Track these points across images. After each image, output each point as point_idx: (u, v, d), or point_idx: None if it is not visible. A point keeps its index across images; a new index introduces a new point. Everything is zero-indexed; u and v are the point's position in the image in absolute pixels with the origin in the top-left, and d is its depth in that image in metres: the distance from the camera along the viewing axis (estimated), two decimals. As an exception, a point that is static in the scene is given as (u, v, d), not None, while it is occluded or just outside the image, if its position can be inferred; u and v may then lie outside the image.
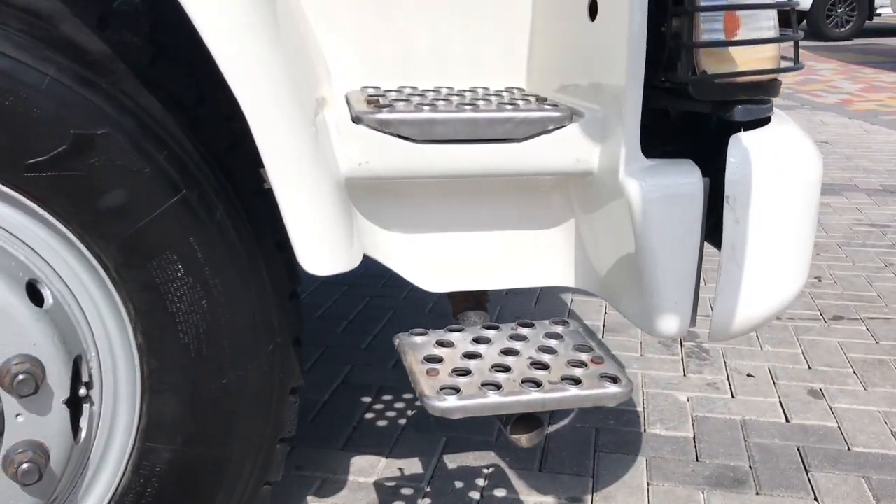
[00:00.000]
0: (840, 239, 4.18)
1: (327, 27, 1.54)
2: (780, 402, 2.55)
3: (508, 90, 1.57)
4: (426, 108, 1.35)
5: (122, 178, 1.27)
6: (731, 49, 1.31)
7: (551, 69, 1.55)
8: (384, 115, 1.33)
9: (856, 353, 2.89)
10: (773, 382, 2.68)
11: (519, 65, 1.61)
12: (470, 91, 1.54)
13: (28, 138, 1.21)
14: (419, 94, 1.47)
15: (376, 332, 3.07)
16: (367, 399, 2.57)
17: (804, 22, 13.93)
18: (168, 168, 1.30)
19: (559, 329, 1.51)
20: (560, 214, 1.52)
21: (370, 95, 1.44)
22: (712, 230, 1.42)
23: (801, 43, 13.16)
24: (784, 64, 1.41)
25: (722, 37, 1.30)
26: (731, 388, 2.64)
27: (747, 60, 1.31)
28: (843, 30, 13.56)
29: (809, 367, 2.79)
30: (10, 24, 1.19)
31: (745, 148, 1.30)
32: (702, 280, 1.38)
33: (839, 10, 13.57)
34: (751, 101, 1.35)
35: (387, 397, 2.59)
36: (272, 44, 1.21)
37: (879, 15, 14.04)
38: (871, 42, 13.43)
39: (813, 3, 13.38)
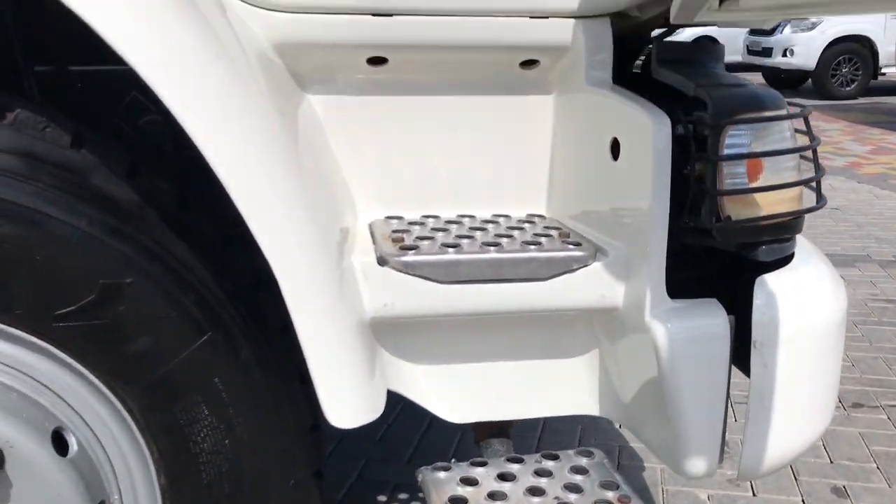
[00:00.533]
0: (855, 316, 4.15)
1: (351, 157, 1.56)
2: (802, 501, 2.51)
3: (529, 219, 1.58)
4: (450, 249, 1.36)
5: (149, 325, 1.27)
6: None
7: (572, 198, 1.56)
8: (409, 257, 1.34)
9: (878, 446, 2.85)
10: (795, 478, 2.64)
11: (539, 192, 1.62)
12: (492, 222, 1.54)
13: (57, 290, 1.22)
14: (442, 229, 1.48)
15: (391, 420, 3.05)
16: (383, 498, 2.53)
17: (809, 81, 14.07)
18: (194, 311, 1.30)
19: (584, 462, 1.49)
20: (584, 344, 1.52)
21: (394, 232, 1.45)
22: (738, 354, 1.41)
23: (807, 101, 13.25)
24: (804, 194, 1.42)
25: (745, 181, 1.31)
26: (752, 485, 2.60)
27: (771, 203, 1.32)
28: (848, 89, 13.67)
29: (831, 461, 2.74)
30: (43, 180, 1.21)
31: (771, 291, 1.30)
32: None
33: (844, 70, 13.70)
34: (775, 240, 1.36)
35: (403, 496, 2.56)
36: (295, 188, 1.22)
37: (884, 74, 14.16)
38: (876, 101, 13.52)
39: (818, 62, 13.53)
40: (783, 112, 1.35)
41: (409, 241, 1.40)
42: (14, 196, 1.18)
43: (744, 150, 1.29)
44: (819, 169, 1.38)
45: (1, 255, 1.18)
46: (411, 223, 1.53)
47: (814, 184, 1.38)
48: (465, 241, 1.41)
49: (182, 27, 1.14)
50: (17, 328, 1.22)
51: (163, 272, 1.28)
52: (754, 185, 1.30)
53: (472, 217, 1.59)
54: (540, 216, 1.62)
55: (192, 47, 1.13)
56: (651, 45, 1.66)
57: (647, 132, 1.29)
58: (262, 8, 1.39)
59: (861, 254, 5.27)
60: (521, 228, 1.51)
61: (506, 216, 1.60)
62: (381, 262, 1.34)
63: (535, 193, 1.62)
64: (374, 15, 1.42)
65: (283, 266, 1.20)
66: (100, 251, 1.23)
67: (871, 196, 6.95)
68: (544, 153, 1.60)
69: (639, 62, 1.71)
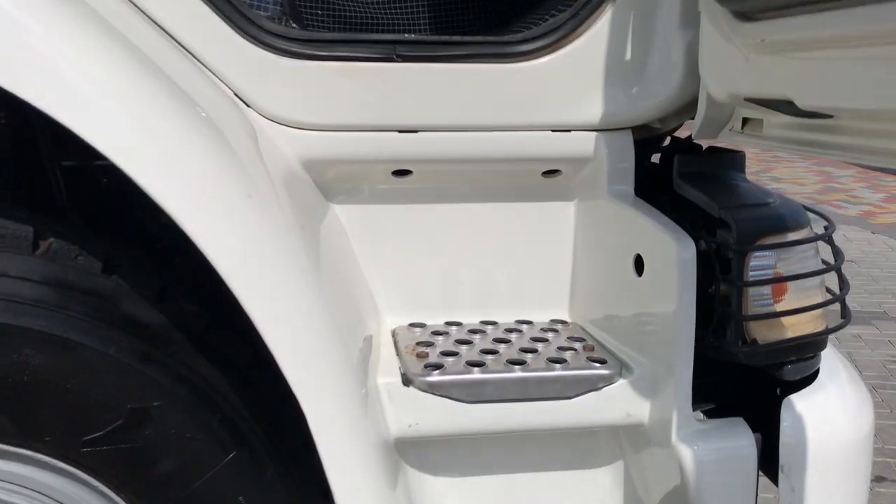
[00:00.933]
0: (874, 379, 4.09)
1: (376, 263, 1.58)
2: (827, 586, 2.46)
3: (553, 326, 1.59)
4: (475, 368, 1.36)
5: (175, 446, 1.28)
6: (780, 314, 1.32)
7: (596, 307, 1.56)
8: (434, 377, 1.34)
9: (902, 525, 2.80)
10: (819, 560, 2.59)
11: (562, 297, 1.63)
12: (515, 331, 1.55)
13: (86, 416, 1.23)
14: (466, 342, 1.49)
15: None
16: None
17: (820, 125, 14.07)
18: (219, 431, 1.31)
19: (609, 577, 1.47)
20: (609, 455, 1.52)
21: (418, 344, 1.46)
22: (765, 462, 1.40)
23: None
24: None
25: (770, 302, 1.31)
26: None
27: (796, 324, 1.32)
28: (859, 132, 13.66)
29: (855, 542, 2.70)
30: (75, 308, 1.22)
31: (798, 414, 1.30)
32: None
33: (855, 114, 13.72)
34: (800, 359, 1.36)
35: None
36: (319, 314, 1.22)
37: (895, 118, 14.17)
38: (888, 144, 13.52)
39: (828, 106, 13.54)
40: (807, 233, 1.35)
41: (433, 356, 1.41)
42: (47, 326, 1.19)
43: (769, 273, 1.29)
44: (845, 285, 1.38)
45: (33, 384, 1.19)
46: (434, 332, 1.54)
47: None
48: (489, 357, 1.42)
49: (210, 160, 1.15)
50: (45, 454, 1.23)
51: (189, 394, 1.29)
52: (780, 306, 1.31)
53: (494, 324, 1.59)
54: (563, 322, 1.62)
55: (219, 183, 1.14)
56: (668, 139, 1.68)
57: (672, 254, 1.30)
58: (289, 126, 1.42)
59: (878, 310, 5.21)
60: (546, 340, 1.51)
61: (529, 322, 1.60)
62: (406, 381, 1.35)
63: (558, 299, 1.63)
64: (399, 132, 1.44)
65: (307, 392, 1.20)
66: (128, 376, 1.24)
67: (885, 248, 6.91)
68: (566, 259, 1.61)
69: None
